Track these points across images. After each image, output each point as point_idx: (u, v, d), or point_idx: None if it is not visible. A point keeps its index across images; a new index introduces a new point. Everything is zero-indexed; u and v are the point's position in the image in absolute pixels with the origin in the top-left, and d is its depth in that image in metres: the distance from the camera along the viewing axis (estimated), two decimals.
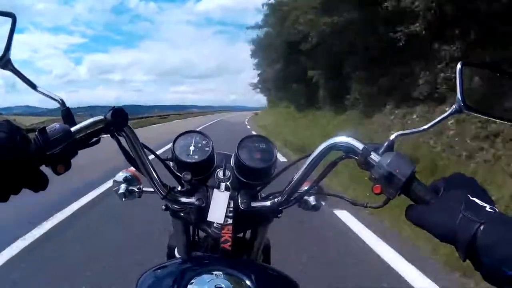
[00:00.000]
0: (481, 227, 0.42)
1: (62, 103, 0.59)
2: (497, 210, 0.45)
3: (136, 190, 0.76)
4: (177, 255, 0.83)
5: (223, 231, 0.64)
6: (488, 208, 0.45)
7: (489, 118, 0.63)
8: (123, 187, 0.76)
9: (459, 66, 0.59)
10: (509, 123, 0.63)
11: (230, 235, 0.64)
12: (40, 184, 0.51)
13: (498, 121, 0.66)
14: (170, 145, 0.74)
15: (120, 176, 0.77)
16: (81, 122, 0.58)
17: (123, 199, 0.76)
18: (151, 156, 0.68)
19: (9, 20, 0.58)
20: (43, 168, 0.52)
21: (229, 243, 0.63)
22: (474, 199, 0.46)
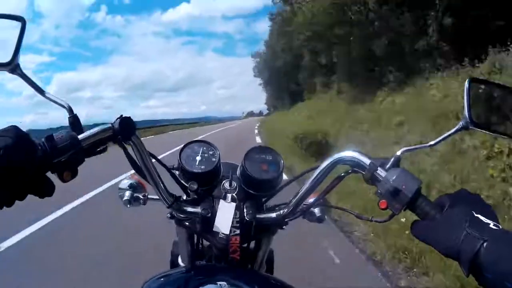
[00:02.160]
0: (485, 244, 0.43)
1: (70, 109, 0.59)
2: (500, 227, 0.45)
3: (141, 197, 0.76)
4: (180, 263, 0.83)
5: (231, 242, 0.65)
6: (492, 225, 0.45)
7: (495, 134, 0.63)
8: (128, 194, 0.76)
9: (467, 83, 0.60)
10: None
11: (238, 245, 0.64)
12: (45, 190, 0.51)
13: (504, 137, 0.66)
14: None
15: (125, 183, 0.77)
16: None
17: (128, 206, 0.76)
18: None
19: (18, 25, 0.58)
20: (50, 175, 0.52)
21: (238, 253, 0.64)
22: (478, 215, 0.46)
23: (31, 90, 0.60)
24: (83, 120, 0.59)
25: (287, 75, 25.31)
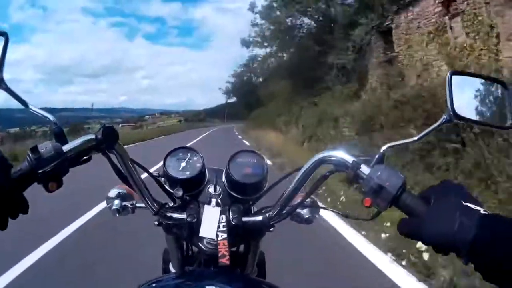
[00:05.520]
0: (479, 230, 0.43)
1: (54, 121, 0.59)
2: (489, 212, 0.45)
3: (130, 206, 0.76)
4: (171, 269, 0.83)
5: (219, 246, 0.64)
6: (481, 211, 0.45)
7: (479, 125, 0.63)
8: (116, 203, 0.75)
9: (448, 75, 0.59)
10: (498, 129, 0.63)
11: (227, 249, 0.64)
12: (20, 210, 0.51)
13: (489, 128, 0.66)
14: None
15: (114, 192, 0.77)
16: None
17: (117, 215, 0.76)
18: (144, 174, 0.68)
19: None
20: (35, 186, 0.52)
21: (227, 257, 0.63)
22: (467, 204, 0.46)
23: None
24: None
25: None
